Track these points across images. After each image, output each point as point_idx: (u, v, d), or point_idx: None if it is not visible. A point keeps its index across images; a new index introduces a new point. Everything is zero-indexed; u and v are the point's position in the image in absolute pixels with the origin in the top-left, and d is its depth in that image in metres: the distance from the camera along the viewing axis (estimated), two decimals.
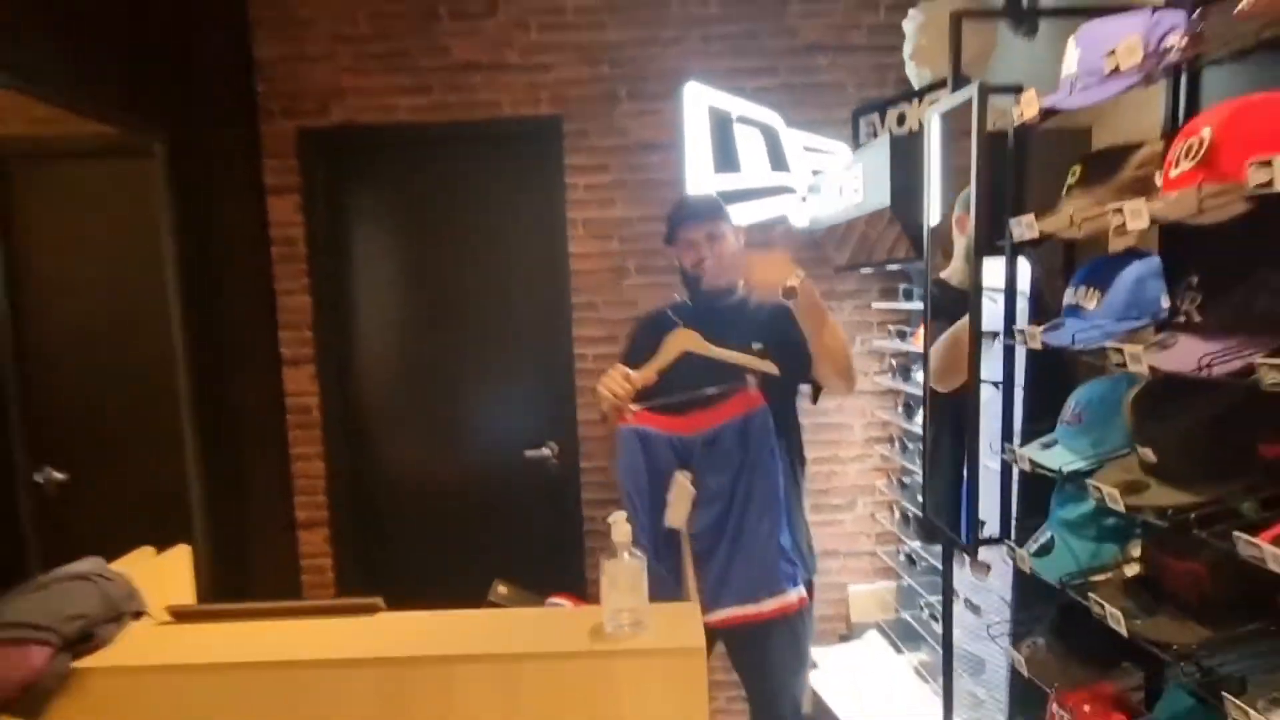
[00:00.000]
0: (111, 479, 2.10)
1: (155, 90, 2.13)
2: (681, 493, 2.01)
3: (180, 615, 1.55)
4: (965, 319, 1.67)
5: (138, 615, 1.51)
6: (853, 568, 2.94)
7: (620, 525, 1.45)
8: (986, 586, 2.10)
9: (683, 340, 2.01)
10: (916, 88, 2.34)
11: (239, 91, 2.70)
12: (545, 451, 2.95)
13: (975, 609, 2.17)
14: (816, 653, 2.73)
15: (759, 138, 2.75)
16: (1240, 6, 0.96)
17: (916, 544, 2.58)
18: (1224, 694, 1.03)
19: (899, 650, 2.70)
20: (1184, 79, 1.51)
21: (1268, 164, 0.90)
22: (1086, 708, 1.46)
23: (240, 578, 2.54)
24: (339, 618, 1.54)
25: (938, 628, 2.27)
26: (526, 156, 2.92)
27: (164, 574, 1.71)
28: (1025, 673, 1.57)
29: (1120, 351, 1.20)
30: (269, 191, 2.82)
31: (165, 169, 2.02)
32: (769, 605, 2.02)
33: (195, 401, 2.17)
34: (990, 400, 1.80)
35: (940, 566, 2.21)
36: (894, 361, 2.71)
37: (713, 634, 2.12)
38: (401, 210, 3.02)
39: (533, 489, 2.98)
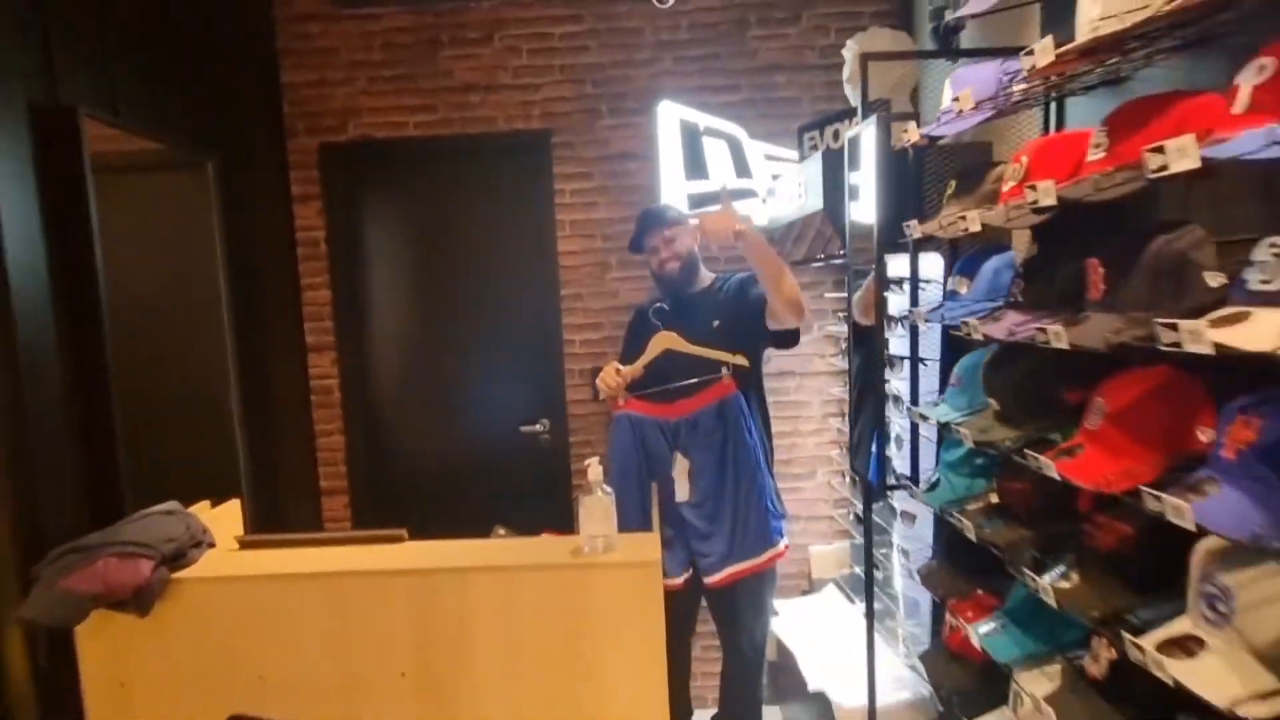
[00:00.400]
0: (165, 449, 2.34)
1: (207, 115, 2.43)
2: (681, 470, 2.36)
3: (245, 544, 1.92)
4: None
5: (211, 545, 1.89)
6: (813, 530, 3.22)
7: (594, 468, 1.82)
8: (918, 535, 2.45)
9: (663, 341, 2.34)
10: (853, 106, 2.69)
11: (270, 113, 2.98)
12: (538, 427, 3.20)
13: (905, 553, 2.53)
14: (781, 605, 3.02)
15: (725, 147, 3.00)
16: (1023, 75, 1.32)
17: (857, 498, 2.91)
18: (1023, 569, 1.40)
19: (851, 601, 2.96)
20: (1053, 106, 1.88)
21: (1034, 187, 1.26)
22: (969, 613, 1.82)
23: None
24: (372, 545, 1.91)
25: (878, 574, 2.62)
26: (520, 166, 3.14)
27: (220, 521, 2.04)
28: (921, 585, 1.95)
29: (968, 324, 1.57)
30: (295, 199, 3.07)
31: (216, 182, 2.35)
32: (765, 556, 2.37)
33: (240, 382, 2.48)
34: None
35: (885, 525, 2.55)
36: (845, 344, 3.02)
37: (701, 596, 2.47)
38: (410, 214, 3.25)
39: (527, 461, 3.22)
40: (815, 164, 2.39)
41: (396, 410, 3.29)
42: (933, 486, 1.87)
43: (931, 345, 2.17)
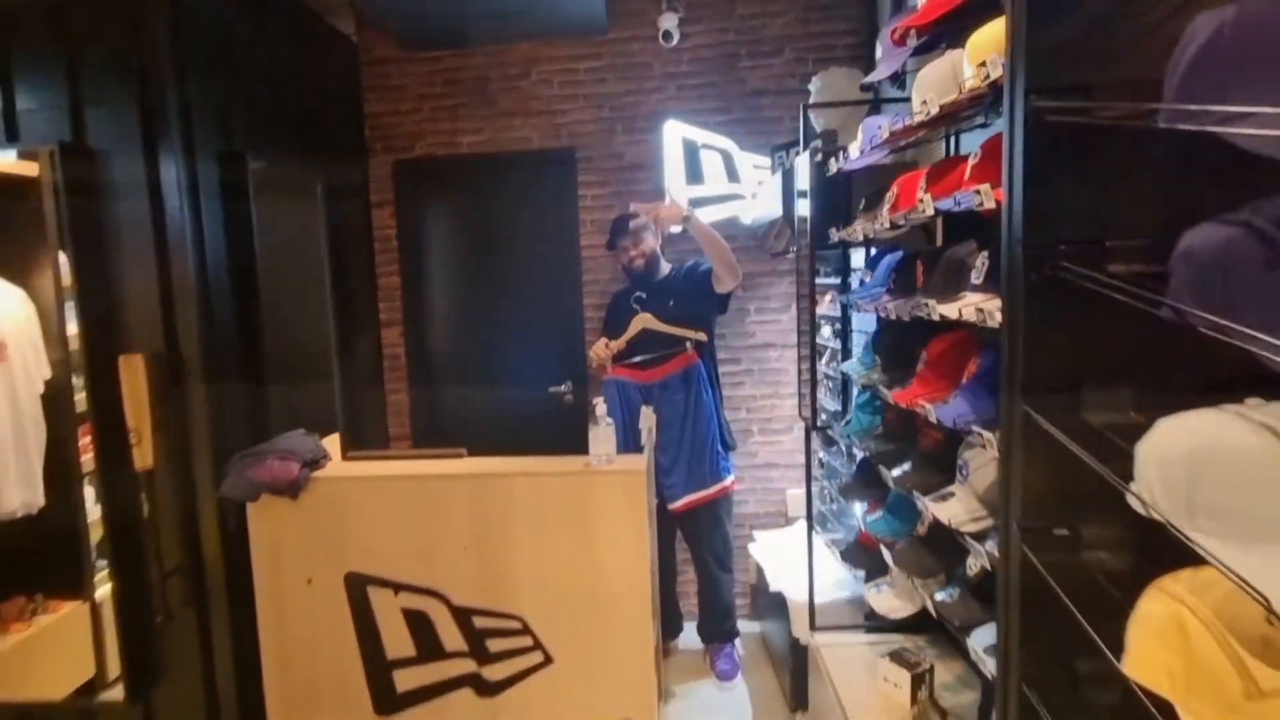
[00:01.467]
0: (286, 394, 2.88)
1: (315, 146, 3.10)
2: (648, 419, 3.03)
3: (351, 457, 2.66)
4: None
5: (329, 459, 2.62)
6: (790, 476, 3.78)
7: (601, 405, 2.53)
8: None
9: (641, 321, 3.05)
10: (818, 130, 3.32)
11: (356, 137, 3.61)
12: (563, 388, 3.75)
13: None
14: (761, 536, 3.69)
15: (719, 159, 3.53)
16: (880, 138, 1.98)
17: (828, 455, 3.55)
18: (880, 467, 2.09)
19: (817, 531, 3.62)
20: (954, 136, 2.50)
21: (884, 213, 1.93)
22: (871, 514, 2.50)
23: None
24: (441, 460, 2.64)
25: (834, 506, 3.28)
26: (550, 176, 3.64)
27: (328, 448, 2.79)
28: (840, 496, 2.62)
29: (858, 304, 2.24)
30: (374, 205, 3.68)
31: (323, 198, 3.06)
32: (714, 488, 3.07)
33: (339, 349, 3.20)
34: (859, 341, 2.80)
35: (840, 469, 3.16)
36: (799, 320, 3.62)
37: (674, 521, 3.15)
38: (463, 215, 3.76)
39: (553, 416, 3.73)
40: (779, 178, 3.05)
41: (450, 373, 3.81)
42: (847, 422, 2.55)
43: (869, 318, 2.81)
